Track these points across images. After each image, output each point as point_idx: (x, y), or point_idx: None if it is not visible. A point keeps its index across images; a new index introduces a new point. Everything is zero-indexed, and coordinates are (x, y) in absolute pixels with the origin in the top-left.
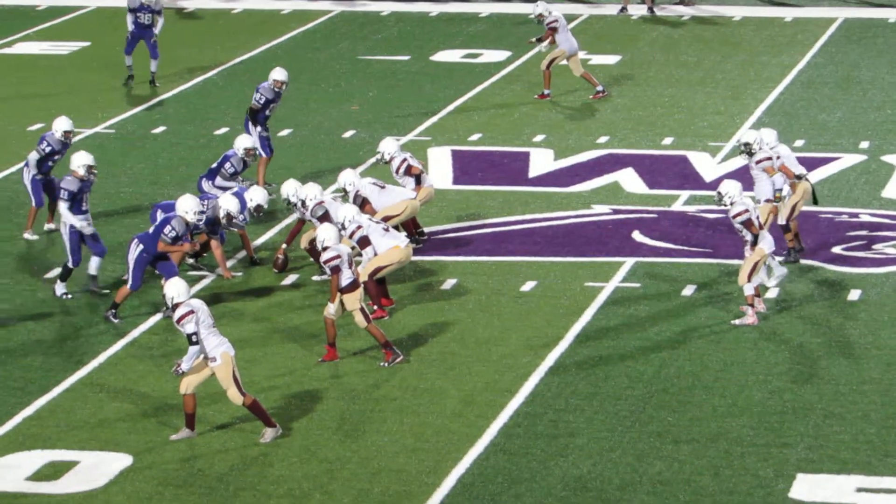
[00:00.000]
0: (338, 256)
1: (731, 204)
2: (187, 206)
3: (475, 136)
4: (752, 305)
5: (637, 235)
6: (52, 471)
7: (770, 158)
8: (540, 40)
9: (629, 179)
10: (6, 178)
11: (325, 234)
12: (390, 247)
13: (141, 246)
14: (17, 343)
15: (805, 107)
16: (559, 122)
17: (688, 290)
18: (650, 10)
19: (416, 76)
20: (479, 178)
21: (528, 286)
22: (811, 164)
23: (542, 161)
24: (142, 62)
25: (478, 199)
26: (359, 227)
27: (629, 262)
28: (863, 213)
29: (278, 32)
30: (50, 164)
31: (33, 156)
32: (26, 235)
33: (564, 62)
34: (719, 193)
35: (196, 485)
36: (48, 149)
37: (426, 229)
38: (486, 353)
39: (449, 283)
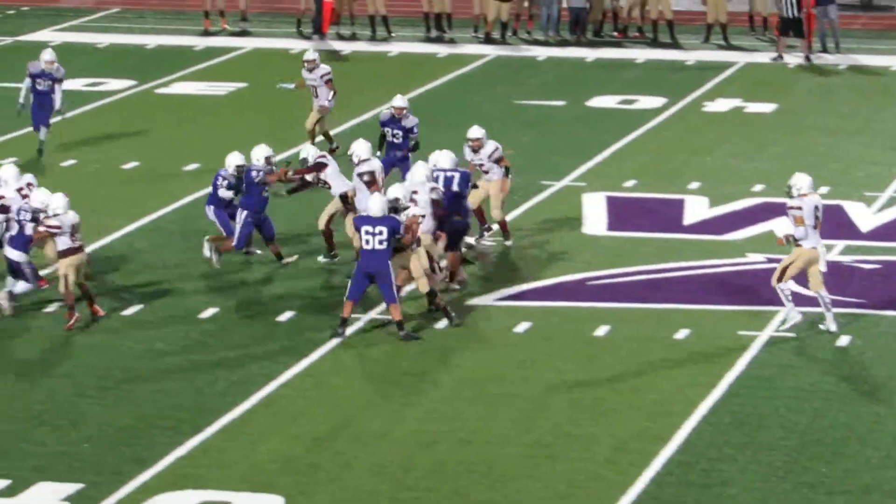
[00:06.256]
0: (58, 226)
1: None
2: (260, 154)
3: (630, 183)
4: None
5: (792, 284)
6: None
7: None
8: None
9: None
10: (162, 217)
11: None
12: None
13: (245, 211)
14: (171, 381)
15: None
16: (714, 169)
17: (842, 341)
18: (807, 58)
19: (571, 121)
20: (634, 225)
21: (682, 334)
22: None
23: (696, 208)
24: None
25: (632, 246)
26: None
27: (783, 310)
28: None
29: (434, 76)
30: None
31: (223, 193)
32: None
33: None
34: (789, 186)
35: None
36: (225, 184)
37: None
38: (639, 399)
39: (602, 330)
